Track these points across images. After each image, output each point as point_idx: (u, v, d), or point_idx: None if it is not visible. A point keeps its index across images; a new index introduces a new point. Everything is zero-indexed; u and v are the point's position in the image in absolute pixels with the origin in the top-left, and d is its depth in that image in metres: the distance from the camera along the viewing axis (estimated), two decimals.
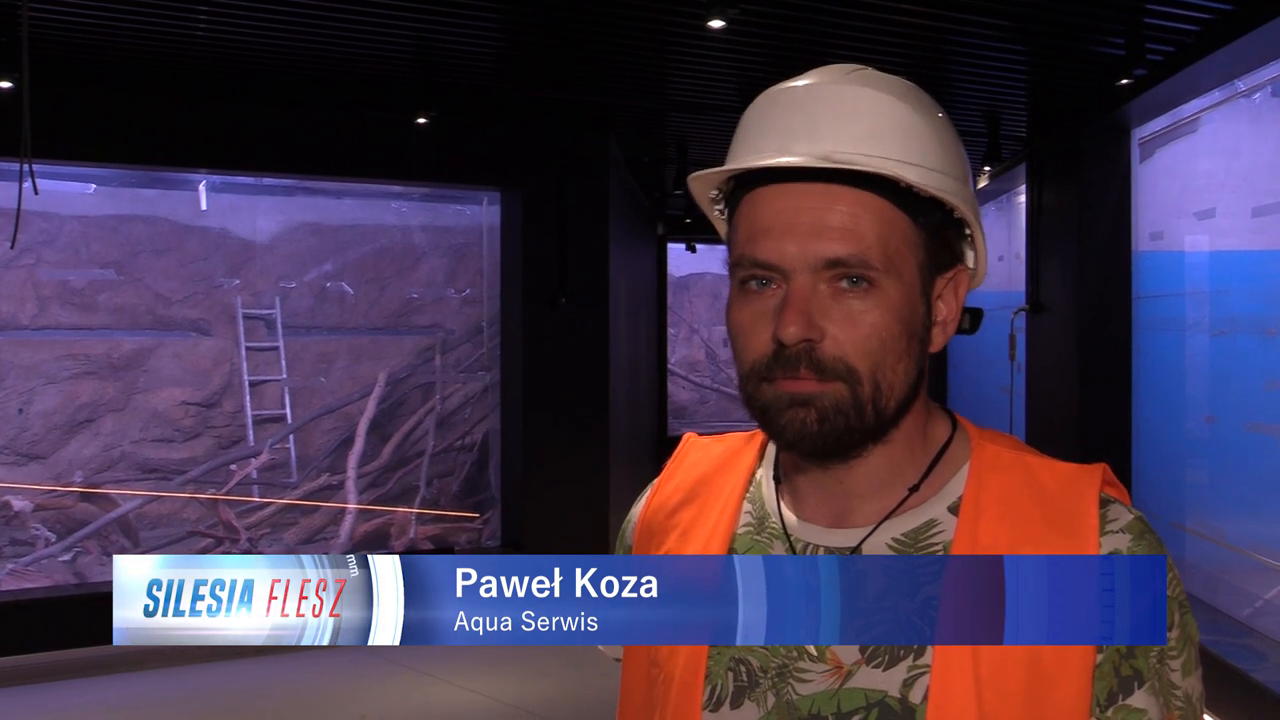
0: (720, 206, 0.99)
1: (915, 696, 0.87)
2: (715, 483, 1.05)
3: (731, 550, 1.00)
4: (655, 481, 1.11)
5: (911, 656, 0.88)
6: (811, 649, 0.91)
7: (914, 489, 0.94)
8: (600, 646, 1.12)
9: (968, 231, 0.94)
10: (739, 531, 1.00)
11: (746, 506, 1.02)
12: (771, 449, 1.04)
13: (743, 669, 0.94)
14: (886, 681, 0.88)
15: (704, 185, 0.98)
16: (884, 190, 0.88)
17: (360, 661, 5.85)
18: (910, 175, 0.87)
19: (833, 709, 0.89)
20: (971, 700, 0.85)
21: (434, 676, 5.58)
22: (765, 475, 1.03)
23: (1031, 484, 0.92)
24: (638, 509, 1.11)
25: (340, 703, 5.24)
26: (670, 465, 1.11)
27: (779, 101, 0.92)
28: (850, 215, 0.87)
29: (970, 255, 0.96)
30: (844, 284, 0.88)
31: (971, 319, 0.98)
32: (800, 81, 0.93)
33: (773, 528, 0.98)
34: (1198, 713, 0.88)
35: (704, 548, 1.01)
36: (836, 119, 0.89)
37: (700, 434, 1.14)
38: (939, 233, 0.91)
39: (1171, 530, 5.89)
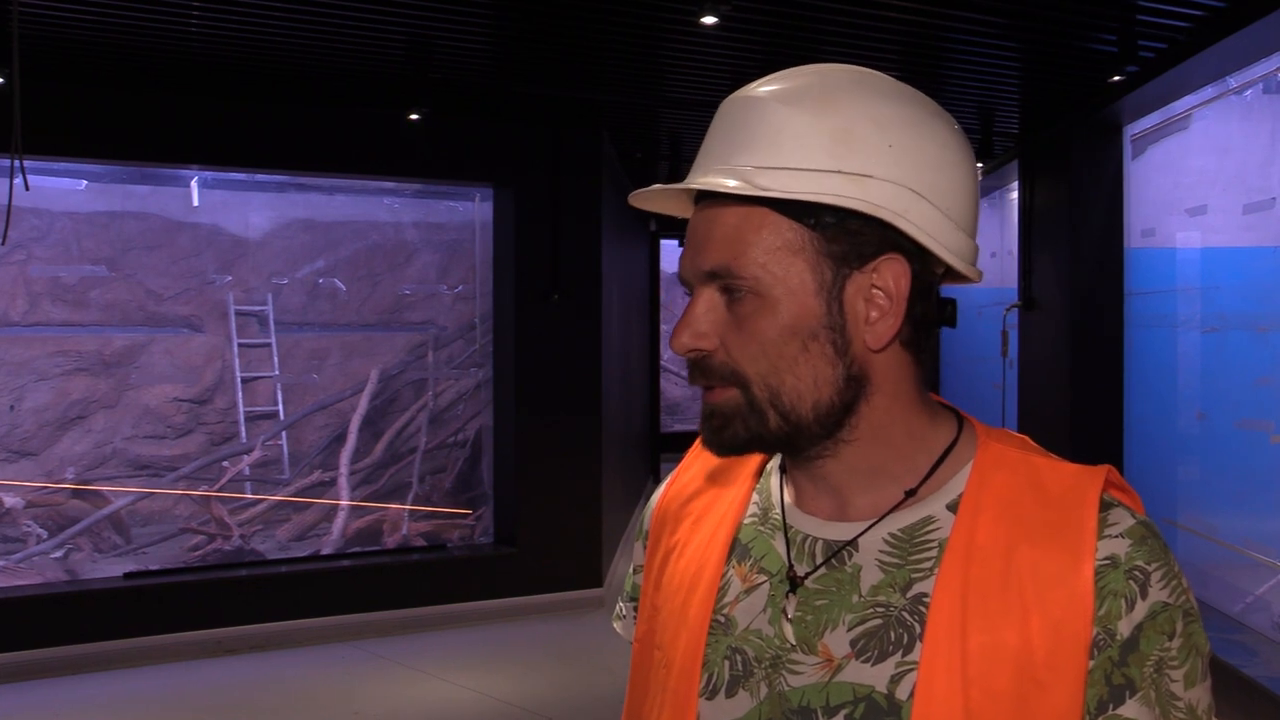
0: None
1: (902, 693, 0.87)
2: (730, 473, 1.08)
3: (736, 540, 1.02)
4: (676, 469, 1.15)
5: (900, 653, 0.88)
6: (791, 637, 0.92)
7: (911, 493, 0.94)
8: (617, 628, 1.17)
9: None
10: (745, 521, 1.03)
11: (755, 497, 1.04)
12: None
13: (739, 658, 0.95)
14: (874, 677, 0.88)
15: (659, 205, 1.03)
16: (756, 199, 0.90)
17: (354, 658, 5.85)
18: (763, 180, 0.88)
19: (821, 702, 0.89)
20: (958, 698, 0.84)
21: (427, 673, 5.58)
22: (774, 467, 1.05)
23: (1034, 484, 0.91)
24: (657, 495, 1.14)
25: (335, 699, 5.24)
26: (691, 454, 1.14)
27: (717, 116, 0.97)
28: (731, 227, 0.91)
29: (925, 244, 0.90)
30: (730, 295, 0.92)
31: (946, 312, 0.96)
32: (739, 93, 0.96)
33: (775, 519, 1.00)
34: None
35: (712, 536, 1.03)
36: (724, 134, 0.93)
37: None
38: (842, 229, 0.90)
39: (1163, 526, 5.91)
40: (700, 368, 0.93)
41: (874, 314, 0.91)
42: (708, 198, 0.94)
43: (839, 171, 0.89)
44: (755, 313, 0.90)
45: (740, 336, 0.91)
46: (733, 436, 0.93)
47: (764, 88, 0.93)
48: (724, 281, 0.91)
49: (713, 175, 0.92)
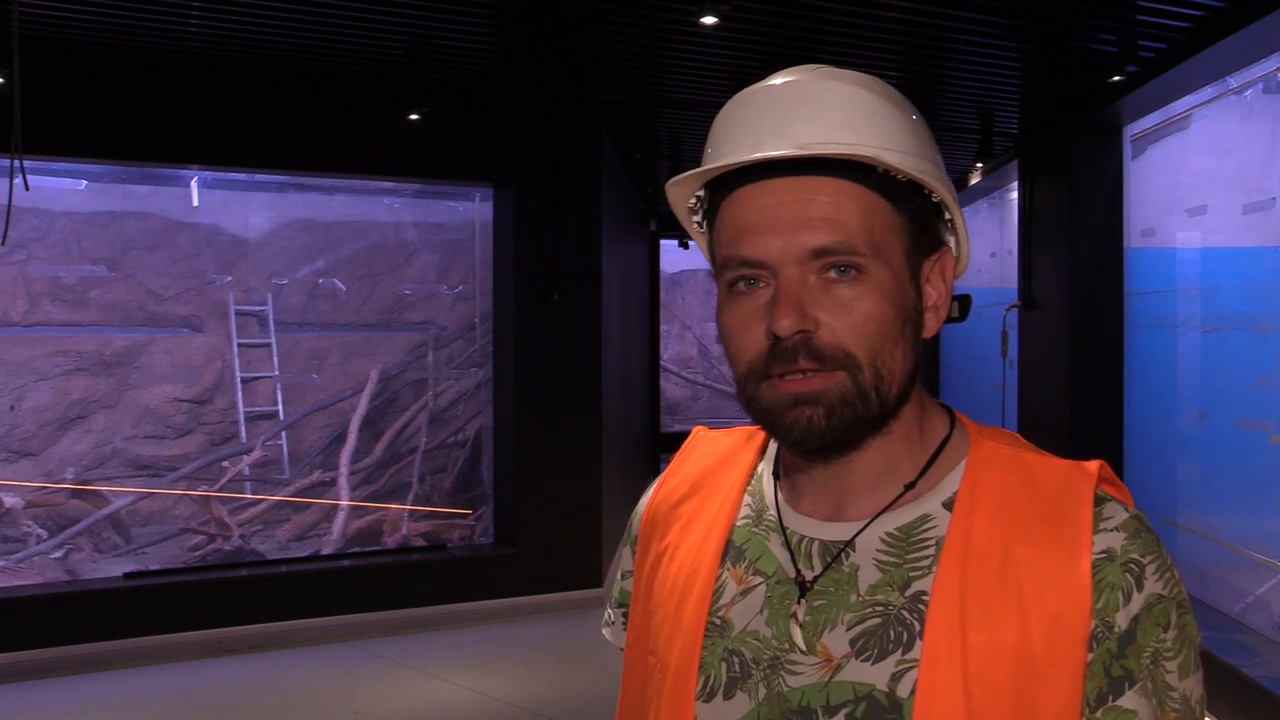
0: (698, 218, 1.00)
1: (903, 690, 0.87)
2: (719, 476, 1.07)
3: (729, 542, 1.01)
4: (663, 473, 1.13)
5: (900, 650, 0.88)
6: (801, 641, 0.92)
7: (910, 486, 0.94)
8: (606, 635, 1.15)
9: (947, 216, 0.96)
10: (738, 524, 1.02)
11: (747, 499, 1.03)
12: (773, 443, 1.04)
13: (736, 660, 0.95)
14: (875, 675, 0.88)
15: (682, 192, 0.98)
16: (863, 177, 0.89)
17: (354, 658, 5.85)
18: (887, 159, 0.88)
19: (821, 701, 0.89)
20: (959, 694, 0.84)
21: (427, 673, 5.58)
22: (766, 469, 1.04)
23: (1028, 481, 0.92)
24: (645, 500, 1.13)
25: (335, 699, 5.24)
26: (678, 458, 1.12)
27: (750, 103, 0.94)
28: (832, 204, 0.88)
29: (952, 239, 0.97)
30: (833, 273, 0.88)
31: (961, 306, 0.99)
32: (768, 83, 0.94)
33: (770, 520, 1.00)
34: (1197, 715, 0.87)
35: (704, 539, 1.02)
36: (807, 113, 0.90)
37: (709, 428, 1.16)
38: (920, 216, 0.92)
39: (1163, 526, 5.91)
40: (804, 349, 0.87)
41: (929, 303, 0.94)
42: (766, 176, 0.90)
43: (926, 158, 0.92)
44: (868, 293, 0.88)
45: (850, 317, 0.87)
46: (840, 422, 0.89)
47: (816, 77, 0.92)
48: (835, 259, 0.87)
49: (807, 150, 0.88)
